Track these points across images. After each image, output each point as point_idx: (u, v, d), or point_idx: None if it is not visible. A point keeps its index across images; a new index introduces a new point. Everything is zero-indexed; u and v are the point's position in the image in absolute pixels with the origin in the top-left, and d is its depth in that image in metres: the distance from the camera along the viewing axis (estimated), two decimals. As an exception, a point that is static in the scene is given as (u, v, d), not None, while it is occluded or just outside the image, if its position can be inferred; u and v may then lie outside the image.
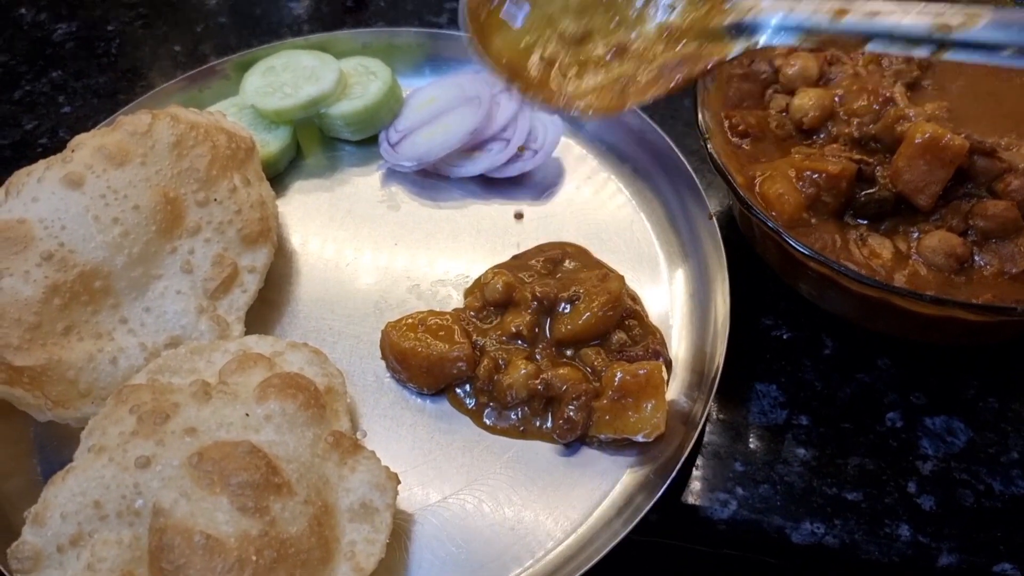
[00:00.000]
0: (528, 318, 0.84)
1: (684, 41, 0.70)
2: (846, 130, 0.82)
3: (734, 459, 0.80)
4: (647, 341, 0.83)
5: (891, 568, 0.75)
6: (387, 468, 0.73)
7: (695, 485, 0.79)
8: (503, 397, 0.81)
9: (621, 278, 0.85)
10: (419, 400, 0.84)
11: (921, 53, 0.60)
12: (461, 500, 0.77)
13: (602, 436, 0.78)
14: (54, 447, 0.82)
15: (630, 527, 0.72)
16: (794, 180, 0.79)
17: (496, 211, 0.98)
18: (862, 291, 0.74)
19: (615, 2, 0.74)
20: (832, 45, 0.69)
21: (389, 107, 1.03)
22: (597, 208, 0.98)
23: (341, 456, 0.73)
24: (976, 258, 0.76)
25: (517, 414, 0.81)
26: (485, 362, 0.82)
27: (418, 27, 1.18)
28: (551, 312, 0.85)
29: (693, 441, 0.75)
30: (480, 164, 0.99)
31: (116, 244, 0.80)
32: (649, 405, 0.76)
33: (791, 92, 0.87)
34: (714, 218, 0.89)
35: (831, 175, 0.78)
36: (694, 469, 0.80)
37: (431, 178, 1.01)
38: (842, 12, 0.63)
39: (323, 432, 0.73)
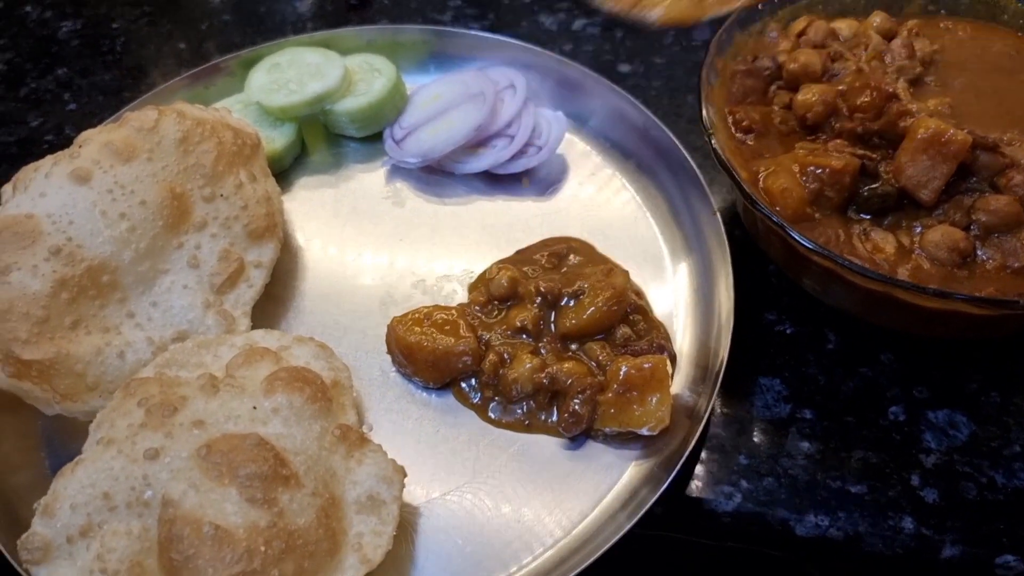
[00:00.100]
0: (533, 313, 0.84)
1: None
2: (849, 126, 0.83)
3: (738, 452, 0.81)
4: (651, 336, 0.84)
5: (895, 560, 0.76)
6: (393, 461, 0.74)
7: (699, 478, 0.79)
8: (508, 391, 0.81)
9: (626, 273, 0.86)
10: (425, 394, 0.84)
11: None
12: (466, 493, 0.78)
13: (607, 430, 0.79)
14: (61, 441, 0.82)
15: (635, 520, 0.72)
16: (798, 175, 0.79)
17: (500, 207, 0.99)
18: (866, 285, 0.74)
19: None
20: None
21: (394, 104, 1.03)
22: (601, 204, 0.98)
23: (348, 449, 0.73)
24: (979, 252, 0.76)
25: (522, 408, 0.82)
26: (490, 356, 0.82)
27: (422, 25, 1.18)
28: (555, 306, 0.85)
29: (697, 435, 0.75)
30: (484, 160, 1.00)
31: (123, 239, 0.80)
32: (654, 399, 0.76)
33: (794, 88, 0.88)
34: (718, 214, 0.89)
35: (834, 170, 0.78)
36: (698, 463, 0.80)
37: (435, 174, 1.02)
38: None
39: (330, 425, 0.73)
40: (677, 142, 0.96)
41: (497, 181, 1.01)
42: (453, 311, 0.85)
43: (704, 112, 0.84)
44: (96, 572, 0.64)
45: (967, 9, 0.96)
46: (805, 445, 0.81)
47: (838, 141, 0.82)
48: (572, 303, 0.84)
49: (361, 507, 0.71)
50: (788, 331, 0.89)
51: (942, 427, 0.81)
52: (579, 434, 0.80)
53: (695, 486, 0.79)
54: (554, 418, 0.81)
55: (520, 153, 0.99)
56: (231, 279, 0.85)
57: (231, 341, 0.80)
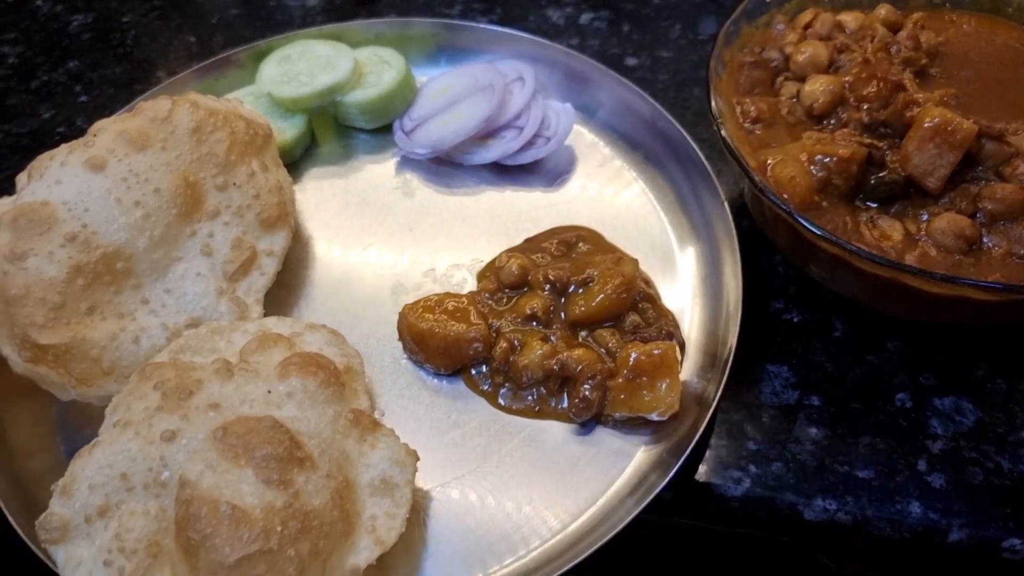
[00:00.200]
0: (543, 300, 0.85)
1: None
2: (856, 115, 0.84)
3: (747, 438, 0.81)
4: (660, 323, 0.85)
5: (903, 544, 0.77)
6: (406, 445, 0.75)
7: (708, 463, 0.80)
8: (519, 377, 0.82)
9: (635, 261, 0.86)
10: (436, 381, 0.85)
11: None
12: (477, 478, 0.79)
13: (617, 415, 0.79)
14: (76, 426, 0.83)
15: (643, 505, 0.73)
16: (805, 164, 0.80)
17: (509, 198, 1.00)
18: (873, 271, 0.75)
19: None
20: None
21: (403, 96, 1.04)
22: (610, 195, 0.99)
23: (361, 433, 0.74)
24: (985, 239, 0.77)
25: (532, 394, 0.83)
26: (501, 343, 0.83)
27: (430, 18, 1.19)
28: (565, 294, 0.86)
29: (707, 420, 0.76)
30: (493, 152, 1.00)
31: (138, 226, 0.81)
32: (664, 384, 0.77)
33: (801, 79, 0.89)
34: (726, 203, 0.90)
35: (842, 158, 0.79)
36: (707, 449, 0.81)
37: (445, 165, 1.03)
38: None
39: (343, 409, 0.74)
40: (685, 133, 0.97)
41: (506, 172, 1.01)
42: (464, 298, 0.86)
43: (712, 102, 0.85)
44: (114, 551, 0.65)
45: (972, 2, 0.97)
46: (813, 431, 0.81)
47: (845, 130, 0.83)
48: (581, 291, 0.85)
49: (375, 490, 0.72)
50: (795, 319, 0.89)
51: (948, 413, 0.82)
52: (589, 420, 0.80)
53: (704, 471, 0.80)
54: (564, 404, 0.82)
55: (529, 144, 1.00)
56: (244, 267, 0.85)
57: (244, 328, 0.81)
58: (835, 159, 0.79)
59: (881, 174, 0.80)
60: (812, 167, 0.80)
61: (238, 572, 0.62)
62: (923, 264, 0.76)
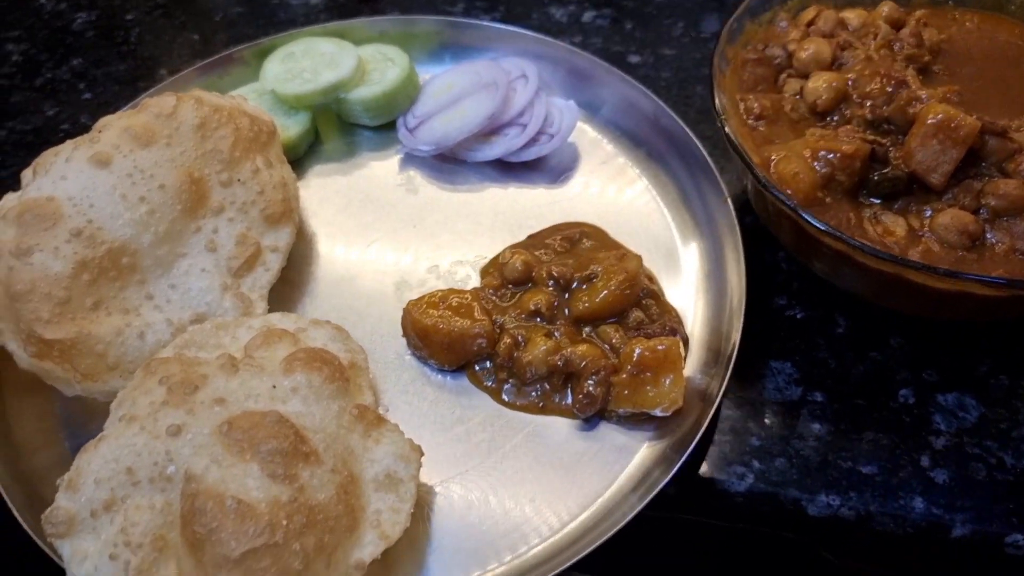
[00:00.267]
0: (547, 296, 0.85)
1: None
2: (859, 112, 0.84)
3: (750, 434, 0.81)
4: (664, 319, 0.85)
5: (906, 540, 0.77)
6: (410, 440, 0.75)
7: (712, 459, 0.80)
8: (523, 373, 0.82)
9: (639, 257, 0.87)
10: (439, 377, 0.85)
11: None
12: (481, 474, 0.79)
13: (620, 411, 0.80)
14: (79, 423, 0.83)
15: (647, 500, 0.73)
16: (809, 160, 0.80)
17: (512, 195, 1.00)
18: (877, 267, 0.75)
19: None
20: None
21: (407, 93, 1.04)
22: (613, 191, 0.99)
23: (366, 428, 0.74)
24: (988, 235, 0.77)
25: (536, 390, 0.83)
26: (505, 339, 0.83)
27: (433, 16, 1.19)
28: (569, 290, 0.86)
29: (710, 416, 0.76)
30: (497, 149, 1.01)
31: (143, 222, 0.81)
32: (668, 379, 0.77)
33: (805, 76, 0.89)
34: (729, 200, 0.90)
35: (845, 155, 0.79)
36: (711, 444, 0.81)
37: (448, 162, 1.03)
38: None
39: (348, 405, 0.74)
40: (688, 130, 0.97)
41: (509, 169, 1.02)
42: (468, 294, 0.86)
43: (716, 98, 0.85)
44: (120, 545, 0.65)
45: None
46: (816, 427, 0.82)
47: (848, 127, 0.83)
48: (585, 287, 0.85)
49: (379, 485, 0.72)
50: (798, 316, 0.90)
51: (951, 409, 0.82)
52: (592, 416, 0.81)
53: (707, 467, 0.80)
54: (568, 400, 0.82)
55: (532, 141, 1.00)
56: (248, 263, 0.86)
57: (249, 323, 0.81)
58: (839, 155, 0.79)
59: (884, 170, 0.80)
60: (816, 163, 0.80)
61: (243, 566, 0.63)
62: (926, 260, 0.76)
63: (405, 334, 0.86)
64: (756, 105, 0.87)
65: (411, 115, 1.04)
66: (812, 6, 0.96)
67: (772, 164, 0.82)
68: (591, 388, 0.79)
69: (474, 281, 0.92)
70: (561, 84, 1.08)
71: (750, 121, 0.87)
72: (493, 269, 0.91)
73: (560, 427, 0.81)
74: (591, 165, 1.02)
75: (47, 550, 0.71)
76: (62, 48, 1.25)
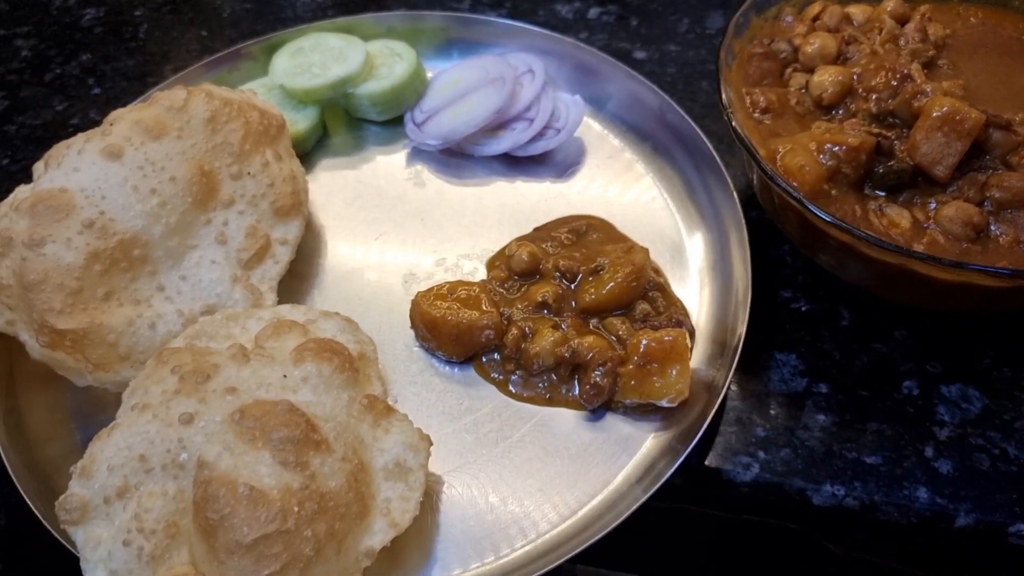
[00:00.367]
0: (554, 288, 0.86)
1: None
2: (864, 106, 0.84)
3: (755, 425, 0.82)
4: (670, 311, 0.85)
5: (910, 529, 0.77)
6: (419, 430, 0.75)
7: (718, 449, 0.81)
8: (530, 365, 0.83)
9: (645, 250, 0.87)
10: (447, 368, 0.86)
11: None
12: (488, 464, 0.79)
13: (627, 402, 0.80)
14: (90, 413, 0.84)
15: (653, 490, 0.74)
16: (815, 153, 0.81)
17: (519, 188, 1.00)
18: (882, 258, 0.76)
19: None
20: None
21: (414, 88, 1.05)
22: (619, 185, 1.00)
23: (375, 418, 0.75)
24: (992, 227, 0.78)
25: (543, 381, 0.83)
26: (512, 331, 0.84)
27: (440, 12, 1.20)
28: (575, 282, 0.87)
29: (716, 407, 0.77)
30: (504, 143, 1.01)
31: (154, 214, 0.82)
32: (674, 371, 0.78)
33: (810, 70, 0.90)
34: (735, 193, 0.91)
35: (851, 147, 0.80)
36: (716, 436, 0.82)
37: (455, 157, 1.04)
38: None
39: (357, 395, 0.75)
40: (694, 125, 0.98)
41: (516, 163, 1.02)
42: (476, 286, 0.87)
43: (723, 92, 0.85)
44: (133, 532, 0.66)
45: (979, -6, 0.98)
46: (821, 418, 0.82)
47: (853, 120, 0.84)
48: (592, 279, 0.86)
49: (389, 474, 0.73)
50: (803, 308, 0.90)
51: (955, 401, 0.83)
52: (599, 407, 0.81)
53: (713, 457, 0.81)
54: (575, 391, 0.82)
55: (539, 136, 1.01)
56: (258, 255, 0.86)
57: (259, 314, 0.82)
58: (844, 148, 0.80)
59: (890, 163, 0.81)
60: (821, 156, 0.81)
61: (255, 552, 0.63)
62: (931, 251, 0.76)
63: (413, 325, 0.87)
64: (762, 99, 0.87)
65: (418, 110, 1.05)
66: (817, 1, 0.97)
67: (778, 157, 0.82)
68: (598, 379, 0.80)
69: (481, 274, 0.92)
70: (567, 79, 1.08)
71: (756, 115, 0.88)
72: (500, 262, 0.92)
73: (567, 418, 0.82)
74: (597, 159, 1.03)
75: (60, 538, 0.72)
76: (71, 44, 1.26)
